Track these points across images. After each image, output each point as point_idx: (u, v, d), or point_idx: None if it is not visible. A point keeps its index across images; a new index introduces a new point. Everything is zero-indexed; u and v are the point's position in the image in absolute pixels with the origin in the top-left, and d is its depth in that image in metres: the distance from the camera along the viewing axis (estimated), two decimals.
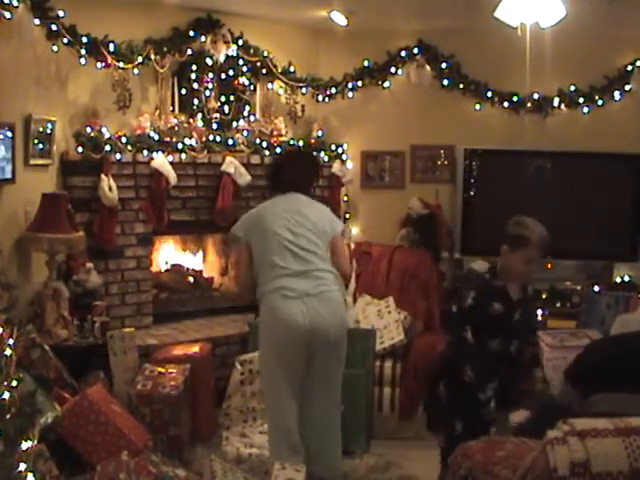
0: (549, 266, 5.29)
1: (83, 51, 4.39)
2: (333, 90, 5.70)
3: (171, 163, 4.80)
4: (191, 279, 5.53)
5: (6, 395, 2.17)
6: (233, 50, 5.19)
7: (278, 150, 5.34)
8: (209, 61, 5.09)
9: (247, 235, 3.48)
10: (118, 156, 4.58)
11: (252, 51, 5.32)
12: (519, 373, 3.27)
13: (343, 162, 5.78)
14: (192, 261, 5.63)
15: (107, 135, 4.54)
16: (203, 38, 5.04)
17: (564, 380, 2.33)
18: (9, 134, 3.95)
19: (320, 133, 5.71)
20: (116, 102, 4.71)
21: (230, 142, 5.13)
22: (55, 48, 4.29)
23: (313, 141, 5.64)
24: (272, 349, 3.36)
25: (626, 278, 5.47)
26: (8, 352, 2.35)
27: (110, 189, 4.49)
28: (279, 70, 5.46)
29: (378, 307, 4.78)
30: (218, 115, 5.17)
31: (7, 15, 3.84)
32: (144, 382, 3.91)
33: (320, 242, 3.45)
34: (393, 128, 5.81)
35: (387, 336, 4.54)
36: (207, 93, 5.12)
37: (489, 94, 5.65)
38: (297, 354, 3.32)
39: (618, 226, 5.46)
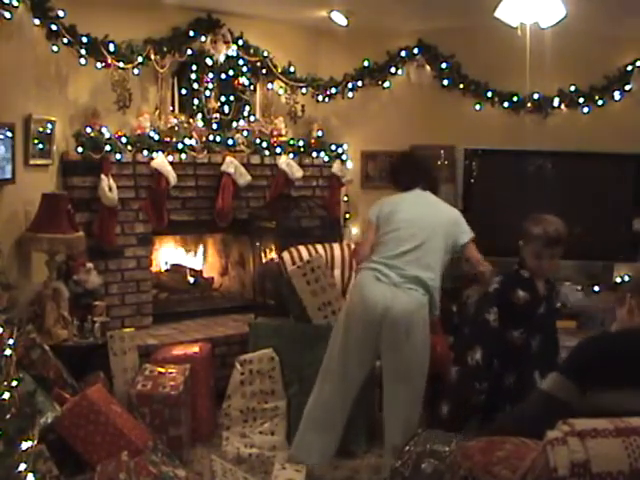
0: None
1: (83, 51, 4.40)
2: (333, 90, 5.70)
3: (171, 163, 4.80)
4: (191, 279, 5.53)
5: (6, 395, 2.17)
6: (233, 50, 5.19)
7: (278, 150, 5.34)
8: (209, 61, 5.09)
9: (377, 219, 3.72)
10: (118, 156, 4.58)
11: (252, 51, 5.32)
12: (541, 372, 3.22)
13: (343, 162, 5.78)
14: (192, 261, 5.63)
15: (107, 135, 4.54)
16: (203, 38, 5.04)
17: (558, 372, 2.32)
18: (9, 134, 3.95)
19: (320, 133, 5.71)
20: (116, 102, 4.71)
21: (230, 142, 5.13)
22: (55, 48, 4.30)
23: (313, 141, 5.64)
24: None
25: (626, 278, 5.47)
26: (8, 352, 2.35)
27: (110, 189, 4.49)
28: (279, 70, 5.46)
29: None
30: (218, 115, 5.17)
31: (7, 15, 3.85)
32: (144, 382, 3.91)
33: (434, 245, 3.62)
34: (393, 128, 5.81)
35: None
36: (207, 93, 5.12)
37: (489, 94, 5.65)
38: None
39: (618, 226, 5.45)
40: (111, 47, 4.51)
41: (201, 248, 5.70)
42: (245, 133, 5.25)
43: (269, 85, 5.50)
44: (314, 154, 5.62)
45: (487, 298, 3.34)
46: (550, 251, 3.24)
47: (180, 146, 4.85)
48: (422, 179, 3.85)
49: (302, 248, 5.00)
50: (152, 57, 4.77)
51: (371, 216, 3.74)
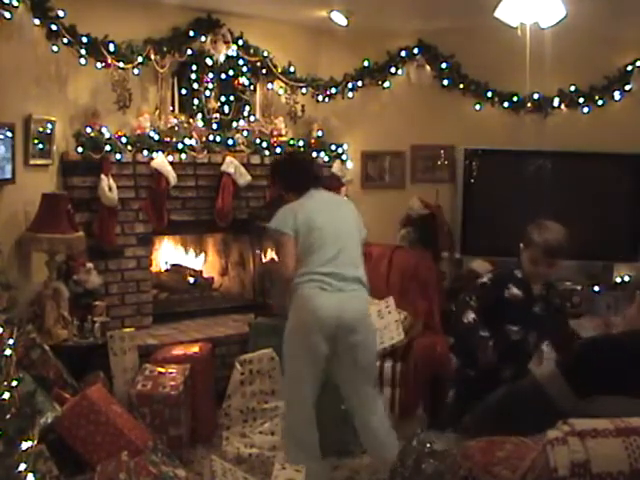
0: None
1: (83, 51, 4.40)
2: (333, 90, 5.70)
3: (171, 163, 4.80)
4: (191, 279, 5.53)
5: (6, 395, 2.17)
6: (233, 50, 5.19)
7: (278, 150, 5.34)
8: (209, 61, 5.09)
9: (292, 230, 3.50)
10: (118, 156, 4.58)
11: (252, 51, 5.32)
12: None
13: (343, 162, 5.78)
14: (192, 261, 5.63)
15: (107, 135, 4.54)
16: (203, 38, 5.04)
17: (556, 370, 2.30)
18: (9, 134, 3.95)
19: (320, 133, 5.71)
20: (116, 102, 4.71)
21: (230, 142, 5.13)
22: (55, 48, 4.30)
23: (313, 141, 5.64)
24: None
25: (626, 278, 5.47)
26: (8, 352, 2.35)
27: (110, 189, 4.49)
28: (279, 70, 5.46)
29: (378, 307, 4.77)
30: (218, 115, 5.17)
31: (7, 15, 3.85)
32: (144, 382, 3.91)
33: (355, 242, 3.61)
34: (393, 128, 5.81)
35: (387, 336, 4.53)
36: (207, 93, 5.12)
37: (489, 94, 5.66)
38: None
39: (618, 226, 5.46)
40: (111, 47, 4.51)
41: (201, 248, 5.70)
42: (245, 133, 5.25)
43: (269, 85, 5.50)
44: (314, 154, 5.62)
45: (473, 287, 3.47)
46: (548, 260, 3.28)
47: (180, 146, 4.85)
48: (312, 178, 3.75)
49: None
50: (152, 57, 4.77)
51: (284, 229, 3.49)
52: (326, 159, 5.67)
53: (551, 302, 3.45)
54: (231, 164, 5.06)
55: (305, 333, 3.42)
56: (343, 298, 3.43)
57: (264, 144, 5.29)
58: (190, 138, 4.91)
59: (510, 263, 3.54)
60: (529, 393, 2.31)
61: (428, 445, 2.35)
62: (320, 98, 5.70)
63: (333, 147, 5.71)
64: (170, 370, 4.04)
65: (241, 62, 5.27)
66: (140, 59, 4.68)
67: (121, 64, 4.60)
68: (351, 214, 3.71)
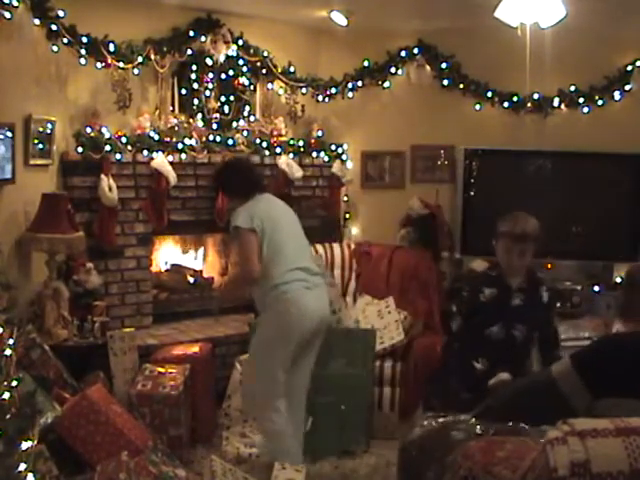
0: (549, 266, 5.29)
1: (83, 51, 4.40)
2: (333, 90, 5.70)
3: (171, 163, 4.80)
4: (191, 279, 5.53)
5: (6, 395, 2.17)
6: (233, 50, 5.19)
7: (278, 150, 5.34)
8: (209, 61, 5.09)
9: (259, 228, 3.55)
10: (118, 156, 4.58)
11: (252, 51, 5.32)
12: (545, 355, 3.39)
13: (343, 162, 5.78)
14: (192, 261, 5.63)
15: (107, 135, 4.54)
16: (203, 38, 5.04)
17: (570, 364, 2.27)
18: (9, 134, 3.95)
19: (320, 133, 5.71)
20: (116, 102, 4.71)
21: (230, 142, 5.13)
22: (55, 48, 4.30)
23: (313, 141, 5.64)
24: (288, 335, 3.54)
25: None
26: (8, 352, 2.35)
27: (110, 189, 4.49)
28: (279, 70, 5.46)
29: (378, 307, 4.78)
30: (218, 115, 5.17)
31: (7, 15, 3.85)
32: (144, 382, 3.91)
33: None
34: (393, 128, 5.81)
35: (387, 336, 4.54)
36: (207, 93, 5.12)
37: (489, 94, 5.65)
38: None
39: (618, 226, 5.45)
40: (111, 47, 4.51)
41: (201, 248, 5.69)
42: (245, 133, 5.25)
43: (269, 85, 5.50)
44: (314, 154, 5.62)
45: (454, 303, 3.55)
46: (518, 247, 3.33)
47: (180, 146, 4.85)
48: (255, 183, 3.80)
49: None
50: (152, 57, 4.77)
51: (246, 226, 3.52)
52: (326, 159, 5.68)
53: (536, 296, 3.44)
54: None
55: (293, 333, 3.51)
56: (321, 295, 3.63)
57: (264, 144, 5.29)
58: (190, 138, 4.91)
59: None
60: (543, 388, 2.29)
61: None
62: (320, 98, 5.71)
63: (333, 147, 5.71)
64: (170, 370, 4.04)
65: (241, 62, 5.27)
66: (140, 59, 4.68)
67: (121, 64, 4.59)
68: (295, 216, 3.85)
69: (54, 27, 4.21)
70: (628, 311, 3.46)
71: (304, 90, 5.60)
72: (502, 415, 2.27)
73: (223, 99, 5.20)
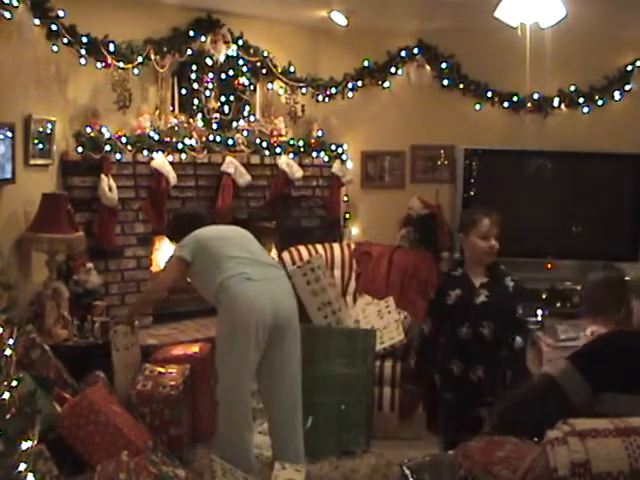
0: (549, 266, 5.30)
1: (83, 51, 4.39)
2: (333, 90, 5.70)
3: (171, 163, 4.80)
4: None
5: (6, 395, 2.17)
6: (233, 50, 5.19)
7: (278, 150, 5.34)
8: (209, 61, 5.09)
9: (186, 254, 3.61)
10: (118, 156, 4.58)
11: (252, 51, 5.32)
12: (508, 357, 3.38)
13: (343, 162, 5.78)
14: None
15: (107, 135, 4.54)
16: (203, 38, 5.04)
17: (569, 363, 2.27)
18: (9, 134, 3.95)
19: (320, 133, 5.71)
20: (116, 102, 4.71)
21: (230, 142, 5.13)
22: (55, 48, 4.29)
23: (313, 141, 5.64)
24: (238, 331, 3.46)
25: (626, 278, 5.46)
26: (8, 352, 2.35)
27: (110, 189, 4.49)
28: (279, 70, 5.46)
29: (378, 307, 4.78)
30: (218, 115, 5.17)
31: (7, 15, 3.84)
32: (144, 382, 3.91)
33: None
34: (393, 128, 5.81)
35: (387, 336, 4.54)
36: (207, 93, 5.12)
37: (489, 94, 5.66)
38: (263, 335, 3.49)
39: (618, 226, 5.46)
40: (111, 47, 4.51)
41: None
42: (245, 133, 5.25)
43: (269, 85, 5.50)
44: (314, 154, 5.62)
45: (428, 308, 3.70)
46: (495, 230, 3.41)
47: (180, 146, 4.85)
48: (196, 225, 3.82)
49: (302, 248, 5.01)
50: (152, 57, 4.76)
51: (177, 253, 3.67)
52: (326, 159, 5.68)
53: (500, 288, 3.45)
54: (231, 164, 5.06)
55: (244, 329, 3.42)
56: (273, 289, 3.52)
57: (264, 144, 5.29)
58: (190, 138, 4.91)
59: (508, 263, 3.58)
60: (545, 390, 2.28)
61: None
62: (320, 98, 5.71)
63: (333, 147, 5.71)
64: (170, 370, 4.04)
65: (241, 62, 5.27)
66: (140, 59, 4.67)
67: (121, 64, 4.59)
68: (246, 234, 3.82)
69: (54, 27, 4.21)
70: (595, 310, 3.49)
71: (304, 90, 5.60)
72: (512, 424, 2.27)
73: (223, 99, 5.20)
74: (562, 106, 5.57)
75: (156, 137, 4.75)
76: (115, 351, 3.98)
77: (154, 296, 4.09)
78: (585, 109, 5.55)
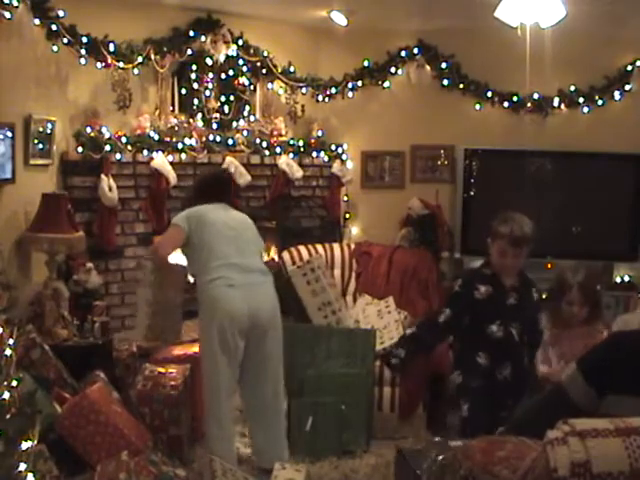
0: (549, 266, 5.29)
1: (83, 51, 4.40)
2: (333, 90, 5.71)
3: (171, 163, 4.80)
4: (191, 279, 5.52)
5: (6, 395, 2.17)
6: (233, 50, 5.19)
7: (278, 150, 5.35)
8: (209, 61, 5.09)
9: (188, 225, 3.60)
10: (118, 156, 4.58)
11: (252, 51, 5.32)
12: (530, 356, 3.39)
13: (343, 162, 5.78)
14: None
15: (107, 135, 4.54)
16: (203, 38, 5.04)
17: (575, 366, 2.26)
18: (9, 134, 3.95)
19: (320, 133, 5.71)
20: (116, 102, 4.71)
21: (230, 142, 5.13)
22: (55, 48, 4.30)
23: (313, 141, 5.64)
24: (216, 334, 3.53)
25: (626, 278, 5.47)
26: (8, 352, 2.35)
27: (110, 189, 4.49)
28: (279, 70, 5.46)
29: (378, 307, 4.78)
30: (218, 115, 5.17)
31: (7, 15, 3.85)
32: (144, 382, 3.90)
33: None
34: (393, 128, 5.81)
35: (387, 336, 4.53)
36: (207, 93, 5.13)
37: (489, 94, 5.66)
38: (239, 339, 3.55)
39: (618, 226, 5.46)
40: (111, 47, 4.51)
41: None
42: (245, 133, 5.26)
43: (269, 85, 5.50)
44: (314, 154, 5.62)
45: (448, 298, 3.55)
46: (514, 250, 3.30)
47: (180, 146, 4.85)
48: (228, 196, 3.86)
49: (302, 248, 5.00)
50: (152, 57, 4.77)
51: (176, 222, 3.64)
52: (326, 159, 5.68)
53: (528, 295, 3.45)
54: (231, 164, 5.06)
55: (219, 331, 3.50)
56: (252, 294, 3.55)
57: (264, 144, 5.30)
58: (190, 138, 4.91)
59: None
60: (556, 398, 2.28)
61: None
62: (320, 98, 5.71)
63: (333, 147, 5.71)
64: (170, 370, 4.03)
65: (241, 62, 5.28)
66: (140, 59, 4.68)
67: (121, 64, 4.60)
68: (250, 222, 3.81)
69: (54, 27, 4.21)
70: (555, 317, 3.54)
71: (304, 90, 5.61)
72: (524, 429, 2.26)
73: (223, 99, 5.20)
74: (562, 106, 5.58)
75: (156, 137, 4.75)
76: (139, 287, 3.96)
77: (154, 252, 3.92)
78: (585, 109, 5.55)
